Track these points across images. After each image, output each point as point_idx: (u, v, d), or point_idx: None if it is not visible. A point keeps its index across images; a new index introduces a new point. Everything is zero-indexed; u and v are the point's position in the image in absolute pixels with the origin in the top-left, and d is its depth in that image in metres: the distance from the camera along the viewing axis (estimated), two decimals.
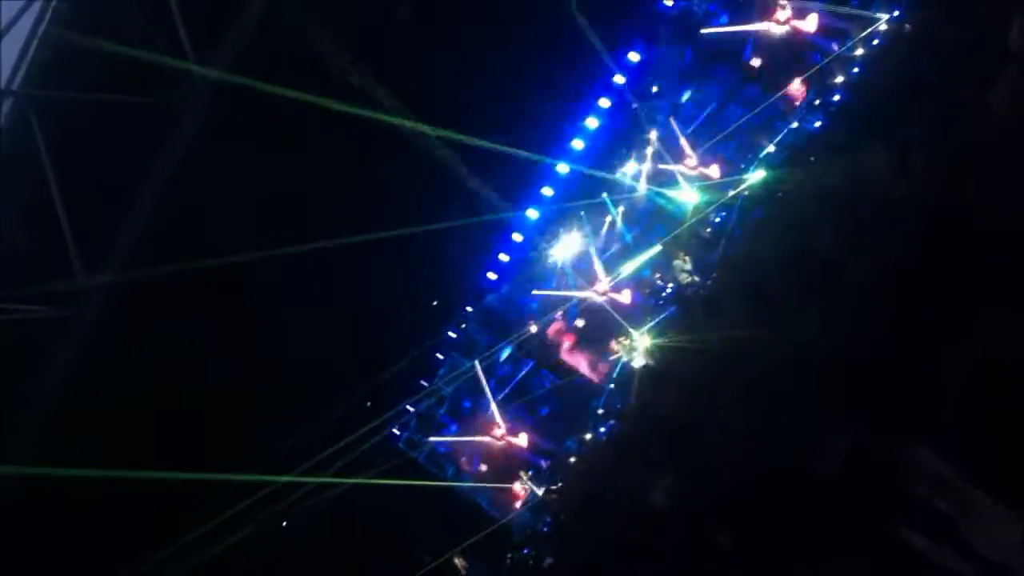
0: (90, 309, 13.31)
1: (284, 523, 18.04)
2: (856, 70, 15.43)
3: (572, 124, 18.48)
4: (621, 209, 18.85)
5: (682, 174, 18.11)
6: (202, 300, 15.69)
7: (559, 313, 19.08)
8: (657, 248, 17.99)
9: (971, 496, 6.03)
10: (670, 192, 18.21)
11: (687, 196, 17.84)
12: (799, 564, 7.38)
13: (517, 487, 18.53)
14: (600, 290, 18.70)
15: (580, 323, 19.09)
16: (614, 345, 17.73)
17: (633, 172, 18.65)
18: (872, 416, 6.92)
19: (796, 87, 16.64)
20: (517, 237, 19.18)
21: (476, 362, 19.28)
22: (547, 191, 18.88)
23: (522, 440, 18.80)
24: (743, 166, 17.15)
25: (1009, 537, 5.68)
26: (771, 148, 16.61)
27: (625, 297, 18.61)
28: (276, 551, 17.69)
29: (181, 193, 13.96)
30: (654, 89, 18.40)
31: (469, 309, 19.81)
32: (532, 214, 18.97)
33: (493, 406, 19.05)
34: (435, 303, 19.59)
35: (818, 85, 16.14)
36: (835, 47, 16.20)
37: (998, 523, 5.81)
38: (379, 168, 17.07)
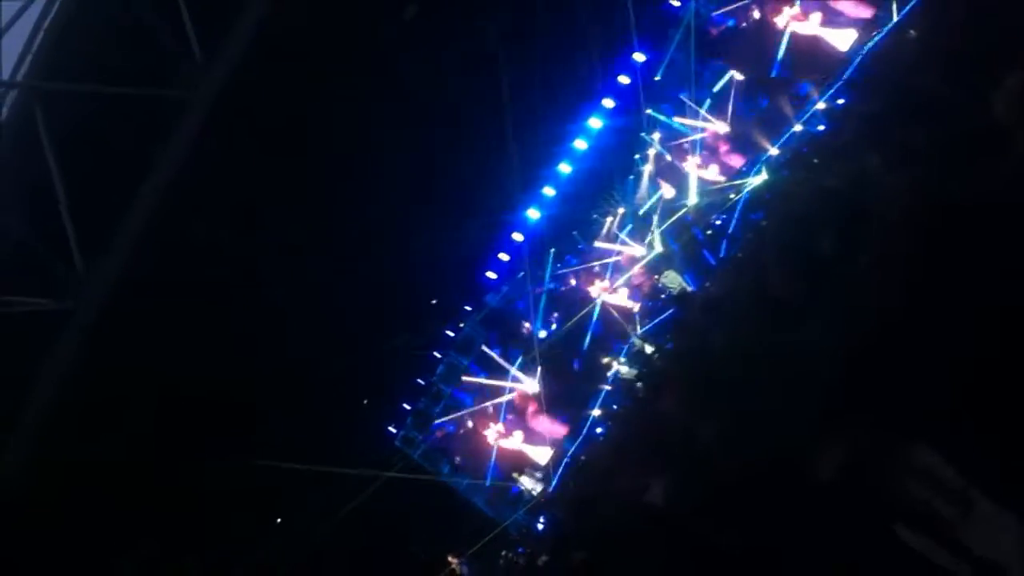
0: (92, 301, 13.31)
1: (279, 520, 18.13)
2: (861, 74, 15.45)
3: (575, 124, 18.50)
4: (621, 210, 18.91)
5: (684, 175, 18.14)
6: (201, 298, 15.72)
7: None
8: (659, 250, 18.04)
9: (971, 497, 6.06)
10: (672, 193, 18.26)
11: (689, 197, 17.88)
12: (798, 565, 7.41)
13: (513, 486, 18.55)
14: (602, 288, 18.78)
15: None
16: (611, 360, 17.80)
17: (635, 173, 18.70)
18: (872, 418, 6.95)
19: (801, 89, 16.65)
20: (517, 237, 19.20)
21: (474, 361, 19.35)
22: (548, 191, 18.91)
23: (518, 439, 18.81)
24: (745, 168, 17.20)
25: (1010, 539, 5.72)
26: (774, 151, 16.66)
27: (622, 299, 18.67)
28: (275, 550, 17.72)
29: (185, 187, 13.98)
30: (659, 86, 18.35)
31: (468, 308, 19.84)
32: (533, 214, 18.99)
33: (490, 405, 19.07)
34: (434, 302, 19.63)
35: (822, 88, 16.14)
36: (840, 50, 16.21)
37: (999, 525, 5.85)
38: (381, 169, 17.12)
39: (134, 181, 13.22)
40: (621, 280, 18.69)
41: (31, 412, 13.38)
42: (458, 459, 19.42)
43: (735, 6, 17.49)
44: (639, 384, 16.78)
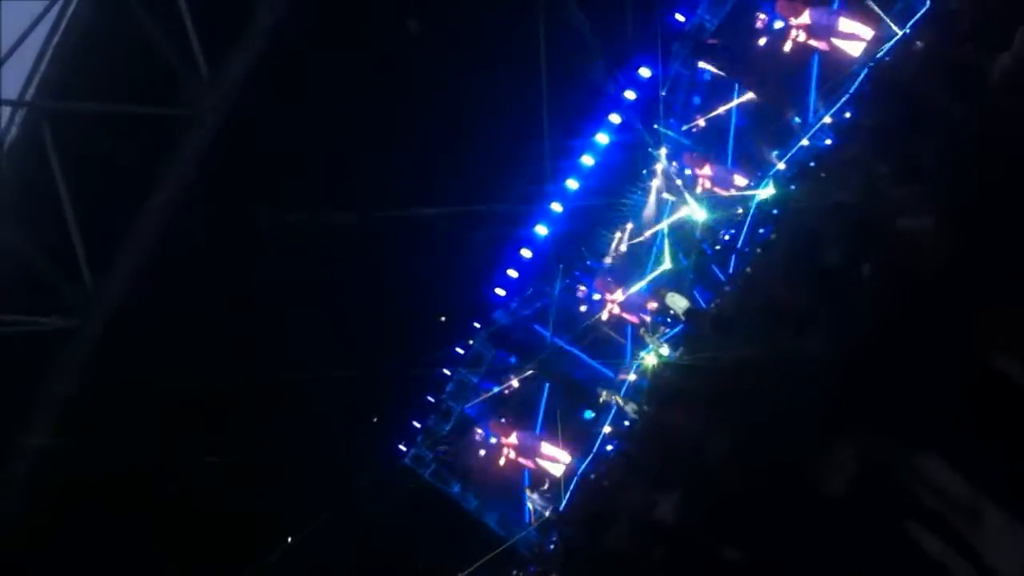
0: (99, 319, 13.34)
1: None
2: (868, 88, 15.40)
3: (581, 140, 18.53)
4: (629, 226, 18.89)
5: (691, 190, 18.10)
6: (209, 312, 15.73)
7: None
8: (668, 265, 17.99)
9: (980, 505, 5.98)
10: (681, 208, 18.21)
11: (696, 212, 17.82)
12: None
13: (523, 504, 18.46)
14: (611, 303, 18.74)
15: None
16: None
17: (643, 188, 18.68)
18: (881, 428, 6.87)
19: (807, 103, 16.62)
20: (526, 253, 19.18)
21: (484, 379, 19.32)
22: (556, 207, 18.90)
23: (528, 457, 18.73)
24: (753, 183, 17.16)
25: (1020, 547, 5.64)
26: (781, 165, 16.62)
27: (631, 314, 18.62)
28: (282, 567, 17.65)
29: (191, 205, 14.02)
30: (665, 100, 18.35)
31: (477, 325, 19.82)
32: (541, 230, 18.98)
33: (501, 424, 19.02)
34: (442, 319, 19.62)
35: (829, 102, 16.12)
36: (846, 63, 16.17)
37: (1007, 533, 5.77)
38: (386, 184, 17.14)
39: (139, 198, 13.27)
40: (630, 295, 18.65)
41: (37, 427, 13.41)
42: (468, 477, 19.36)
43: (741, 20, 17.51)
44: (649, 400, 16.69)
